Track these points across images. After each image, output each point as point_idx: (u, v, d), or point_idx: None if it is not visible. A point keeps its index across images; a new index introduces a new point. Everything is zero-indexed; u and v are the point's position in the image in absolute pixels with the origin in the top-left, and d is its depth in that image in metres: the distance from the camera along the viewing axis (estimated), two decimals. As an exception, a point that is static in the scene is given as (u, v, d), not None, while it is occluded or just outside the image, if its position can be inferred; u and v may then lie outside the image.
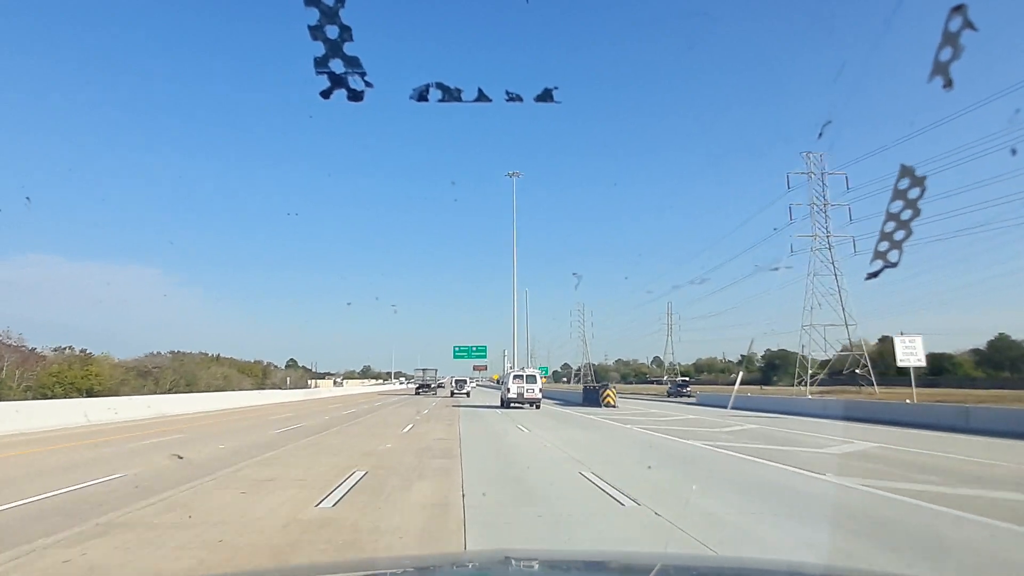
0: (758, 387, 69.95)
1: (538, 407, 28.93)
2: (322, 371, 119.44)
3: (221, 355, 71.20)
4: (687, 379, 73.58)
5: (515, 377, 29.84)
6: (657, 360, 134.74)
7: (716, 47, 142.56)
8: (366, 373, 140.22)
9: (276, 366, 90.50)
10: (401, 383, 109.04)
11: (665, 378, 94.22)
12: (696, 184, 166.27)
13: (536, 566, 2.17)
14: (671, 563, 2.17)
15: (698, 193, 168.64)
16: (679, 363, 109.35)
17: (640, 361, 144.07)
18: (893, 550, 5.02)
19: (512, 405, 29.19)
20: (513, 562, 2.20)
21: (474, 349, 67.27)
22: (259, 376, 73.44)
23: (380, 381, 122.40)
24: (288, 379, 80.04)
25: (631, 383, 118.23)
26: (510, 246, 48.10)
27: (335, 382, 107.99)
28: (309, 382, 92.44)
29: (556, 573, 2.15)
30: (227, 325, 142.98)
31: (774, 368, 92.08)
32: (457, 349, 67.07)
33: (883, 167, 58.45)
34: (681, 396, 51.18)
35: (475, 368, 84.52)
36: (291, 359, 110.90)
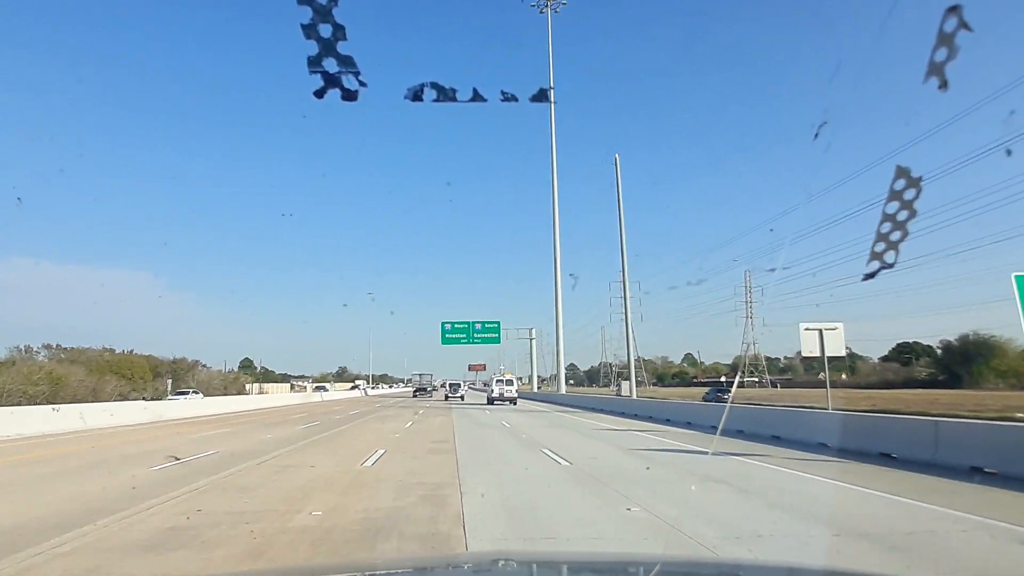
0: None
1: (515, 403, 38.04)
2: (298, 373, 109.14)
3: (135, 351, 51.04)
4: (728, 381, 60.20)
5: (497, 381, 40.67)
6: (689, 358, 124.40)
7: (716, 46, 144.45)
8: (341, 376, 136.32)
9: (205, 365, 62.48)
10: (360, 387, 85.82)
11: (724, 378, 74.98)
12: (695, 183, 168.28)
13: (533, 568, 2.16)
14: (671, 564, 2.17)
15: (698, 192, 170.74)
16: (707, 361, 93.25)
17: (669, 359, 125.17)
18: None
19: (495, 402, 38.34)
20: (509, 563, 2.18)
21: (477, 328, 44.81)
22: (147, 378, 47.71)
23: (350, 386, 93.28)
24: (170, 381, 48.91)
25: (667, 385, 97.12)
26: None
27: (292, 386, 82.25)
28: (247, 387, 67.07)
29: (553, 574, 2.13)
30: (217, 326, 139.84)
31: (967, 360, 56.02)
32: (448, 329, 44.36)
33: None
34: (720, 402, 36.36)
35: (471, 368, 70.79)
36: (246, 358, 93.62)
